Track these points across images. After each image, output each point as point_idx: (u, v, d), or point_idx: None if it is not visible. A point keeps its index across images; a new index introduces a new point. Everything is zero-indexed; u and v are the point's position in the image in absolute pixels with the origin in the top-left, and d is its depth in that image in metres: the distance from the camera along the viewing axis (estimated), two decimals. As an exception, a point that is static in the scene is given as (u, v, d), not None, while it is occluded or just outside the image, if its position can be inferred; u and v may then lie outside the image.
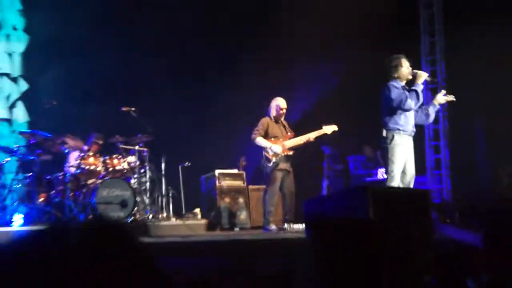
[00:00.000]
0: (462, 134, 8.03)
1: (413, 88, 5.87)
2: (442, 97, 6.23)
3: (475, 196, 7.32)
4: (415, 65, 6.43)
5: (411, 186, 5.97)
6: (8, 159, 8.07)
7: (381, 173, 7.73)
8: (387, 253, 0.97)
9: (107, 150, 8.17)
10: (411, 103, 5.77)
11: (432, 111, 6.15)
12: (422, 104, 6.12)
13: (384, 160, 6.16)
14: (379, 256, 0.96)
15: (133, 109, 8.16)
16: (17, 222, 7.52)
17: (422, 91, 6.10)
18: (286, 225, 7.16)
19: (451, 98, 6.31)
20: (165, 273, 0.86)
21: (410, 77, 5.98)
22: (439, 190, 8.08)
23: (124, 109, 8.16)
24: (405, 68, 5.96)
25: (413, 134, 6.00)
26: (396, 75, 5.94)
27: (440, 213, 6.81)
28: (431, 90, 8.08)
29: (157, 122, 8.23)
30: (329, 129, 7.29)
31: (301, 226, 6.84)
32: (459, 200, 7.59)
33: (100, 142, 8.15)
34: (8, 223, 7.42)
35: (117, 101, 8.43)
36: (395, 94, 5.79)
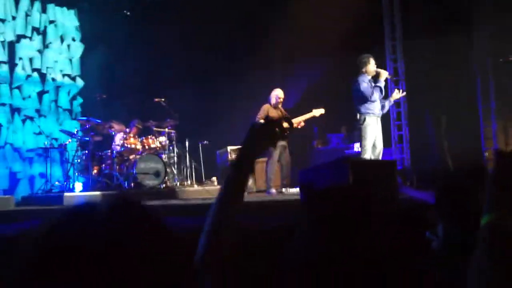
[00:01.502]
0: (417, 116, 8.01)
1: (377, 84, 5.87)
2: (396, 95, 6.30)
3: (428, 163, 7.37)
4: (381, 64, 6.49)
5: (380, 157, 5.92)
6: (70, 140, 8.23)
7: (356, 147, 7.64)
8: (363, 209, 0.95)
9: (143, 132, 8.29)
10: (376, 95, 5.83)
11: (387, 105, 6.17)
12: (386, 96, 6.14)
13: (359, 137, 6.12)
14: (356, 211, 0.94)
15: (163, 99, 8.17)
16: (78, 188, 7.70)
17: (385, 86, 6.18)
18: (284, 189, 7.12)
19: (402, 94, 6.51)
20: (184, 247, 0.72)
21: (375, 73, 5.94)
22: (402, 159, 8.03)
23: (156, 99, 8.19)
24: (372, 65, 6.01)
25: (380, 116, 5.98)
26: (364, 70, 5.97)
27: (402, 177, 6.73)
28: (394, 82, 8.04)
29: (182, 110, 8.22)
30: (317, 112, 7.19)
31: (296, 190, 6.76)
32: (417, 167, 7.59)
33: (140, 126, 8.22)
34: (72, 189, 7.57)
35: (151, 93, 8.45)
36: (363, 87, 5.81)
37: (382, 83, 5.92)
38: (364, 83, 5.81)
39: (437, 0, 7.17)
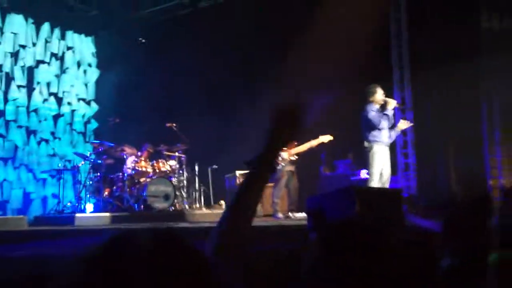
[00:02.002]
0: (424, 145, 7.94)
1: (385, 113, 5.89)
2: (402, 125, 6.36)
3: (434, 192, 7.32)
4: (388, 92, 6.47)
5: (387, 185, 5.88)
6: (83, 162, 8.32)
7: (363, 174, 7.60)
8: (370, 238, 0.96)
9: (154, 156, 8.28)
10: (384, 123, 5.86)
11: (393, 134, 6.17)
12: (394, 124, 6.10)
13: (366, 164, 6.07)
14: (363, 239, 0.95)
15: (174, 125, 8.21)
16: (89, 209, 7.71)
17: (394, 115, 6.20)
18: (291, 214, 7.06)
19: (409, 125, 6.62)
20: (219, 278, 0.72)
21: (383, 102, 5.91)
22: (408, 187, 7.96)
23: (167, 124, 8.22)
24: (379, 94, 6.00)
25: (388, 144, 5.95)
26: (372, 99, 5.97)
27: (409, 205, 6.66)
28: (401, 110, 8.04)
29: (192, 135, 8.24)
30: (325, 138, 7.20)
31: (302, 215, 6.71)
32: (423, 195, 7.53)
33: (151, 150, 8.22)
34: (83, 210, 7.61)
35: (162, 118, 8.49)
36: (371, 115, 5.80)
37: (390, 112, 5.92)
38: (372, 111, 5.81)
39: (445, 29, 7.18)
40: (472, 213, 1.49)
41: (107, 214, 7.00)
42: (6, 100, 9.20)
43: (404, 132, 8.03)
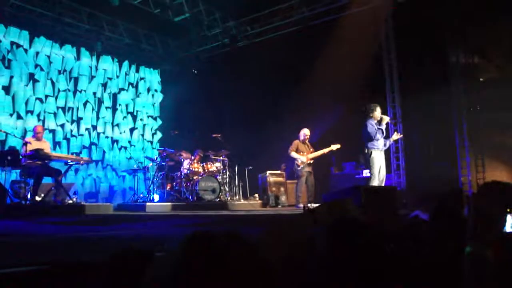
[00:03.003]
0: (411, 150, 7.85)
1: (380, 127, 5.80)
2: (395, 136, 6.27)
3: (419, 187, 7.22)
4: (383, 110, 6.40)
5: (383, 182, 5.79)
6: (151, 164, 8.35)
7: (365, 173, 7.53)
8: (371, 227, 0.95)
9: (204, 159, 8.23)
10: (379, 136, 5.74)
11: (388, 143, 6.01)
12: (387, 136, 6.03)
13: (367, 166, 6.03)
14: (366, 228, 0.94)
15: (219, 135, 8.21)
16: (155, 199, 7.70)
17: (387, 128, 6.17)
18: (309, 205, 7.03)
19: (399, 136, 6.54)
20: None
21: (379, 118, 5.87)
22: (399, 183, 7.84)
23: (213, 135, 8.22)
24: (378, 112, 5.87)
25: (383, 150, 5.88)
26: (371, 115, 5.84)
27: (401, 198, 6.57)
28: (393, 124, 7.98)
29: (233, 143, 8.22)
30: (335, 146, 7.18)
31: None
32: (411, 190, 7.43)
33: (201, 154, 8.21)
34: (152, 200, 7.62)
35: (211, 130, 8.47)
36: (370, 129, 5.72)
37: (383, 126, 5.85)
38: (371, 125, 5.72)
39: (423, 65, 7.23)
40: (449, 204, 1.45)
41: (169, 203, 7.07)
42: (98, 118, 9.55)
43: (396, 140, 7.97)
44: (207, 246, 0.64)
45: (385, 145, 5.97)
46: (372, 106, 5.90)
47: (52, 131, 8.67)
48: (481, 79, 7.14)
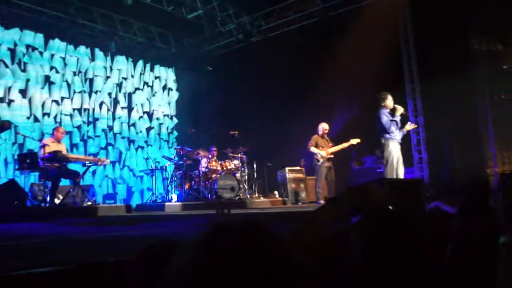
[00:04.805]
0: (433, 142, 7.66)
1: (394, 119, 5.61)
2: (408, 127, 5.87)
3: (442, 179, 7.01)
4: (402, 102, 6.22)
5: (400, 169, 5.58)
6: (169, 163, 8.35)
7: (386, 167, 7.40)
8: (397, 219, 0.92)
9: (222, 157, 8.21)
10: (393, 128, 5.55)
11: (401, 134, 5.75)
12: (402, 127, 5.79)
13: (383, 156, 5.80)
14: (393, 220, 0.91)
15: (236, 132, 8.17)
16: (174, 199, 7.76)
17: (406, 118, 5.97)
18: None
19: (414, 126, 6.15)
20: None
21: (392, 107, 5.66)
22: (421, 176, 7.71)
23: (231, 132, 8.18)
24: (389, 100, 5.67)
25: (400, 141, 5.70)
26: (383, 104, 5.65)
27: (426, 192, 6.39)
28: (414, 115, 7.83)
29: (251, 140, 8.19)
30: (354, 141, 7.10)
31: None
32: (434, 183, 7.25)
33: (215, 150, 8.22)
34: (170, 200, 7.67)
35: (227, 127, 8.44)
36: (384, 121, 5.53)
37: (397, 118, 5.62)
38: (385, 116, 5.54)
39: (444, 49, 6.96)
40: (476, 197, 1.45)
41: (188, 202, 7.08)
42: (114, 118, 9.65)
43: (417, 132, 7.78)
44: (227, 240, 0.61)
45: (399, 135, 5.78)
46: (382, 94, 5.72)
47: (69, 133, 8.77)
48: (504, 67, 6.88)
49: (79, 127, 9.06)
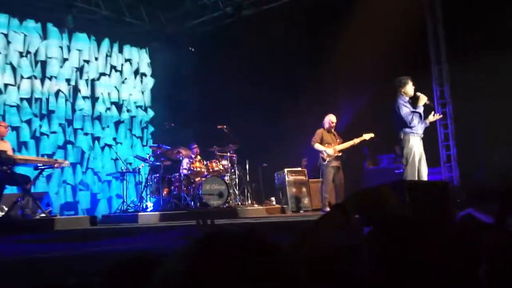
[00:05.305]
0: (465, 137, 7.65)
1: (416, 110, 5.53)
2: (432, 117, 5.81)
3: (477, 181, 7.03)
4: (427, 88, 6.18)
5: (423, 169, 5.56)
6: (143, 165, 8.46)
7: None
8: (419, 230, 0.94)
9: (208, 156, 8.29)
10: (415, 121, 5.50)
11: (423, 126, 5.70)
12: (425, 118, 5.73)
13: (402, 154, 5.77)
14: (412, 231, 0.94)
15: (225, 126, 8.23)
16: (150, 208, 7.84)
17: (432, 108, 5.92)
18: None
19: (438, 117, 6.17)
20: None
21: (412, 94, 5.60)
22: (450, 177, 7.73)
23: (219, 126, 8.24)
24: (410, 86, 5.62)
25: (422, 135, 5.68)
26: (402, 91, 5.59)
27: (455, 196, 6.40)
28: (441, 105, 7.80)
29: (242, 136, 8.22)
30: (367, 136, 7.11)
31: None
32: (465, 185, 7.25)
33: (196, 146, 8.25)
34: (145, 209, 7.74)
35: (214, 121, 8.48)
36: (404, 112, 5.46)
37: (420, 109, 5.55)
38: (405, 107, 5.47)
39: (479, 24, 6.92)
40: None
41: (167, 212, 7.09)
42: (73, 110, 9.54)
43: (444, 125, 7.81)
44: (219, 250, 0.66)
45: (422, 129, 5.74)
46: (402, 79, 5.67)
47: (16, 129, 8.61)
48: None
49: (28, 122, 8.92)
